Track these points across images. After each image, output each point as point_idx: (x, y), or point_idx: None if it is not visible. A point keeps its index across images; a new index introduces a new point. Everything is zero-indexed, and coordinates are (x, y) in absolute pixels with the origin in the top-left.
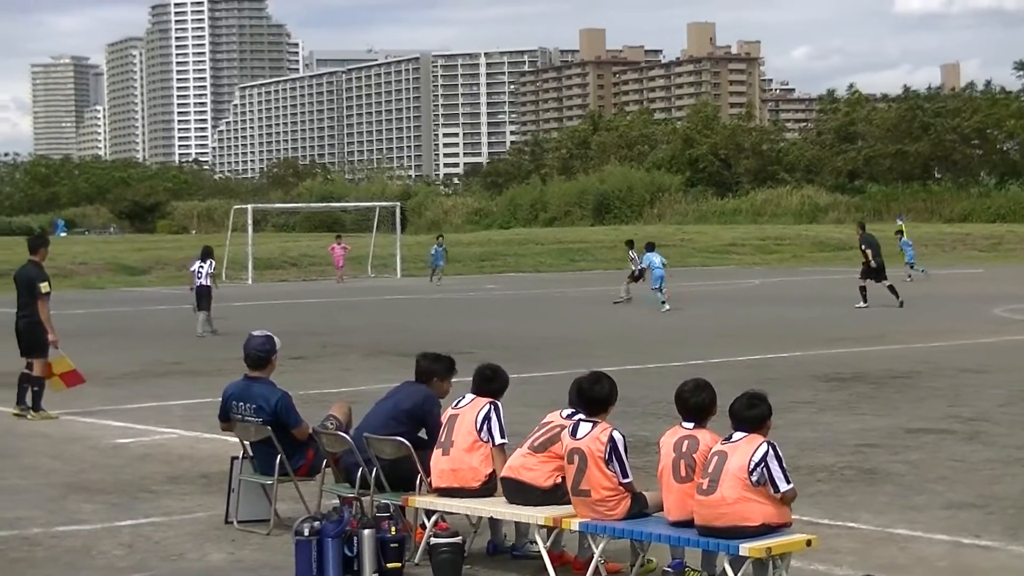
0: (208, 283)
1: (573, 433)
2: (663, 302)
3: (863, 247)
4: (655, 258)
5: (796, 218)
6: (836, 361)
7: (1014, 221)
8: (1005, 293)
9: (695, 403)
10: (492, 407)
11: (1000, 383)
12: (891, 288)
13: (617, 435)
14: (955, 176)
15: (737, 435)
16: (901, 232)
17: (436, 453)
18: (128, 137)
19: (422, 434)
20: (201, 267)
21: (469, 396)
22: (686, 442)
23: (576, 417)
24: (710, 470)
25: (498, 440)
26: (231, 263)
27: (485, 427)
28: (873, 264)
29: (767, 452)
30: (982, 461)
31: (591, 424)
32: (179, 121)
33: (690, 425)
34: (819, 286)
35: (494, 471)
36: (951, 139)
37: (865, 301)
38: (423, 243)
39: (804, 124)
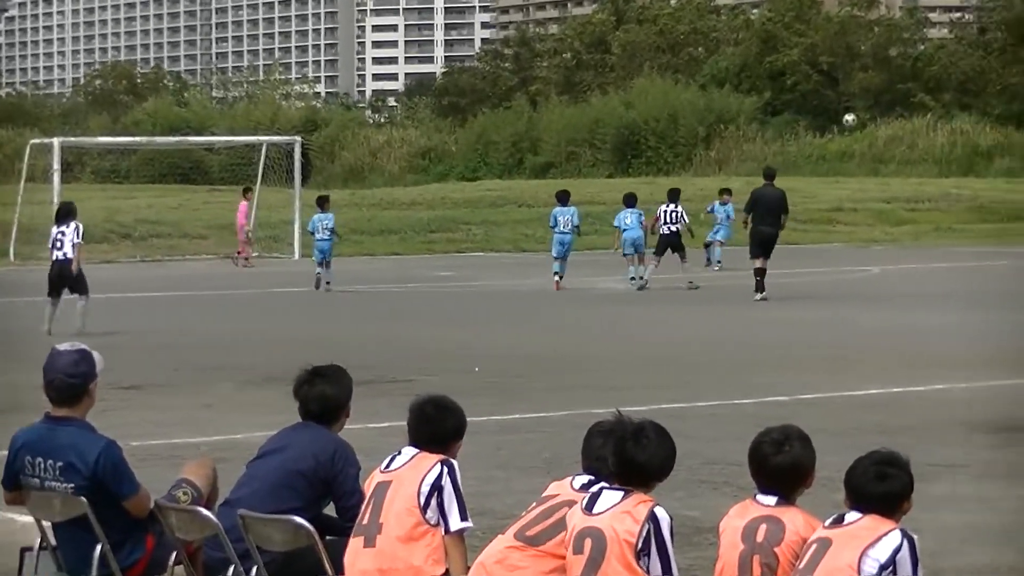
0: (71, 255)
1: (589, 506)
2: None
3: None
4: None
5: (943, 167)
6: (1007, 400)
7: None
8: None
9: (780, 465)
10: (444, 469)
11: None
12: None
13: (663, 513)
14: None
15: (853, 516)
16: None
17: (355, 543)
18: None
19: (331, 510)
20: (62, 233)
21: (408, 451)
22: (763, 526)
23: (598, 487)
24: (802, 566)
25: (455, 523)
26: (24, 231)
27: (433, 501)
28: None
29: (899, 548)
30: None
31: (621, 494)
32: None
33: (771, 500)
34: (979, 277)
35: (448, 573)
36: None
37: None
38: (337, 202)
39: (959, 16)
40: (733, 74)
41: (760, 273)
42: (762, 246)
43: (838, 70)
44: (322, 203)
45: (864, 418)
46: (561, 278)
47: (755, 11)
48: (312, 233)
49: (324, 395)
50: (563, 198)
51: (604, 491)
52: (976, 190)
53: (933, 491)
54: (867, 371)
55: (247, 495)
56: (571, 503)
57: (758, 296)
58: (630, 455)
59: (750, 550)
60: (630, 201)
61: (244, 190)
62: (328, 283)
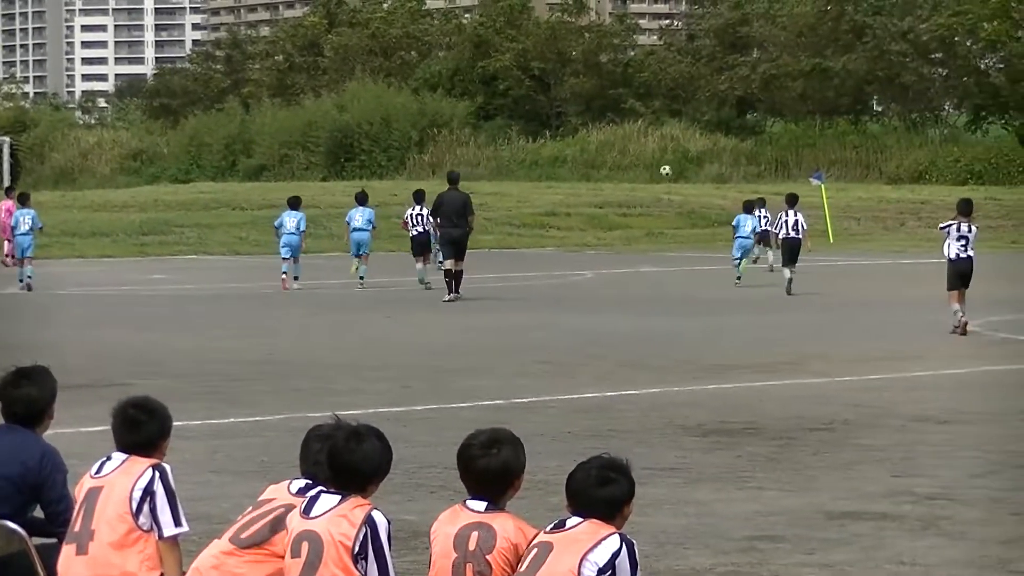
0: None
1: (307, 510)
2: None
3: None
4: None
5: (653, 172)
6: (718, 403)
7: (996, 182)
8: (984, 296)
9: (488, 467)
10: (155, 473)
11: (972, 440)
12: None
13: (380, 517)
14: (905, 110)
15: (574, 521)
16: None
17: (68, 550)
18: None
19: (39, 512)
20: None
21: (118, 456)
22: (475, 534)
23: (316, 490)
24: (523, 570)
25: (168, 528)
26: None
27: (146, 507)
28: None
29: (619, 552)
30: (945, 564)
31: (338, 497)
32: None
33: (480, 506)
34: (690, 282)
35: None
36: (899, 51)
37: None
38: (46, 204)
39: (668, 23)
40: (446, 78)
41: (450, 275)
42: (452, 246)
43: (550, 75)
44: (295, 204)
45: (576, 422)
46: (295, 279)
47: (467, 16)
48: (278, 228)
49: (29, 397)
50: (362, 199)
51: (322, 495)
52: (687, 196)
53: (650, 494)
54: (581, 375)
55: None
56: (288, 507)
57: (447, 297)
58: (345, 458)
59: (463, 558)
60: (749, 208)
61: (6, 189)
62: (296, 277)
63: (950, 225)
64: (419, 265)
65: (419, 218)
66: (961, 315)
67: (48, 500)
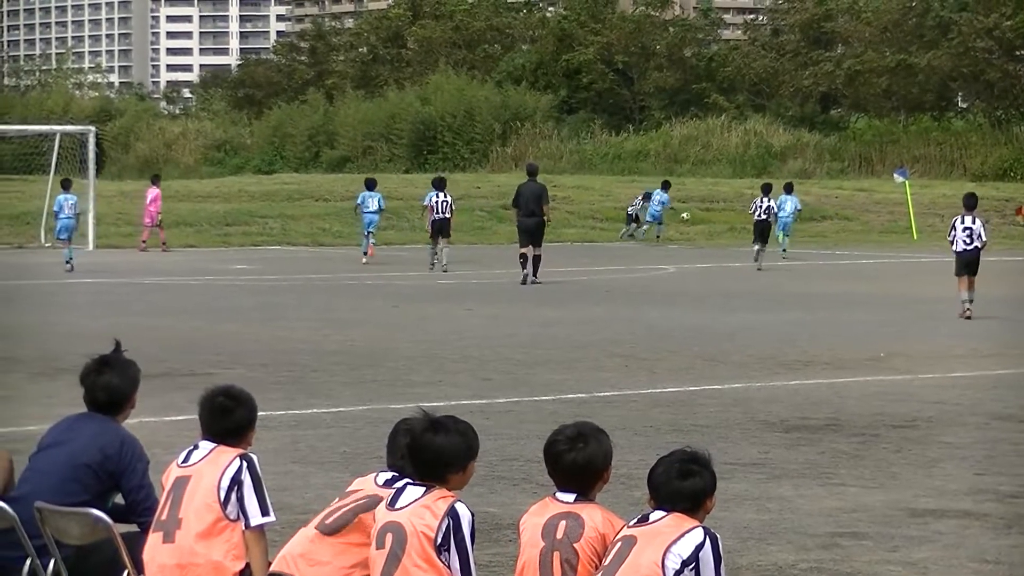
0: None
1: (392, 501)
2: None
3: None
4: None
5: (736, 167)
6: (799, 399)
7: None
8: None
9: (575, 461)
10: (243, 463)
11: None
12: None
13: (463, 509)
14: (990, 107)
15: (657, 515)
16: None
17: (154, 538)
18: None
19: (120, 499)
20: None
21: (205, 445)
22: (563, 523)
23: (402, 482)
24: (607, 563)
25: (255, 518)
26: None
27: (233, 496)
28: None
29: (702, 545)
30: None
31: (423, 489)
32: None
33: (569, 497)
34: (770, 277)
35: (249, 568)
36: (983, 47)
37: None
38: (131, 192)
39: (752, 19)
40: (529, 71)
41: (526, 259)
42: (528, 234)
43: (633, 69)
44: (371, 185)
45: (658, 416)
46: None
47: (551, 9)
48: (359, 205)
49: (111, 385)
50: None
51: (408, 486)
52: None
53: (731, 489)
54: (663, 369)
55: (32, 490)
56: (374, 497)
57: (525, 280)
58: (421, 447)
59: (550, 547)
60: (789, 188)
61: (152, 177)
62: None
63: (954, 220)
64: (432, 247)
65: (444, 204)
66: (967, 304)
67: (128, 488)
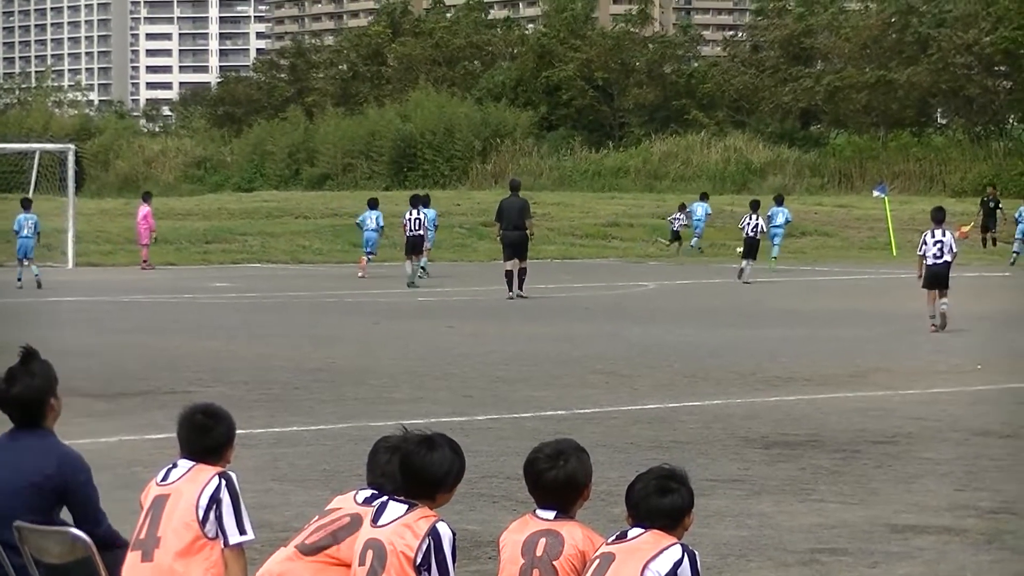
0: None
1: (375, 518)
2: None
3: None
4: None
5: (716, 183)
6: (779, 415)
7: None
8: None
9: (556, 479)
10: (222, 481)
11: None
12: None
13: (444, 528)
14: (969, 122)
15: (636, 532)
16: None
17: (132, 557)
18: None
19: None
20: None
21: (184, 463)
22: (543, 540)
23: (385, 498)
24: None
25: (234, 536)
26: None
27: (212, 515)
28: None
29: (680, 562)
30: None
31: (405, 507)
32: None
33: (549, 515)
34: (750, 293)
35: None
36: (963, 63)
37: None
38: (111, 210)
39: (732, 35)
40: (509, 88)
41: (511, 276)
42: (512, 248)
43: (613, 86)
44: (374, 204)
45: (641, 433)
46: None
47: (531, 26)
48: (360, 225)
49: (21, 398)
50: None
51: (390, 503)
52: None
53: (711, 506)
54: (644, 386)
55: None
56: (354, 516)
57: (510, 295)
58: (416, 464)
59: (530, 564)
60: (780, 200)
61: (144, 195)
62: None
63: (925, 234)
64: (408, 265)
65: (416, 222)
66: (933, 317)
67: (73, 503)
